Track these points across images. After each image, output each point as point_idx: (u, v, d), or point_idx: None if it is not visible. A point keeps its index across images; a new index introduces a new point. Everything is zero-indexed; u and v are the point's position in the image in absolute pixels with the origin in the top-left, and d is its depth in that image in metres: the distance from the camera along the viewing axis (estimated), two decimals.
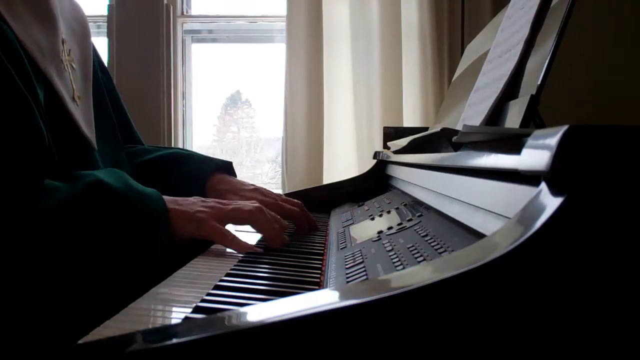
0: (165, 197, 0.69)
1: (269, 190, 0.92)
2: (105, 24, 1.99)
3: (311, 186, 1.52)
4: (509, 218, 0.36)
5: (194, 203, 0.71)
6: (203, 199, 0.74)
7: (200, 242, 0.72)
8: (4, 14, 0.65)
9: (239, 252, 0.68)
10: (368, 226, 0.75)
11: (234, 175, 0.97)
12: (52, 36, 0.74)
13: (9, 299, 0.56)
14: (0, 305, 0.56)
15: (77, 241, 0.59)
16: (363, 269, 0.52)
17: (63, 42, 0.77)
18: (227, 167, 0.96)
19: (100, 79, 0.91)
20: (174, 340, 0.27)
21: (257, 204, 0.75)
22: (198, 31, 2.15)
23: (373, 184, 1.20)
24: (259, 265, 0.61)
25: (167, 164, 0.93)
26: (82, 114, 0.77)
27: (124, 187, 0.65)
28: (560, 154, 0.28)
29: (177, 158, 0.96)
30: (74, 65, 0.79)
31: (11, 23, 0.66)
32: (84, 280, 0.59)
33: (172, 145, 2.01)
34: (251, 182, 0.94)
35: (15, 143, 0.59)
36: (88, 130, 0.77)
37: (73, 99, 0.76)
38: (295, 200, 0.91)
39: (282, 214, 0.83)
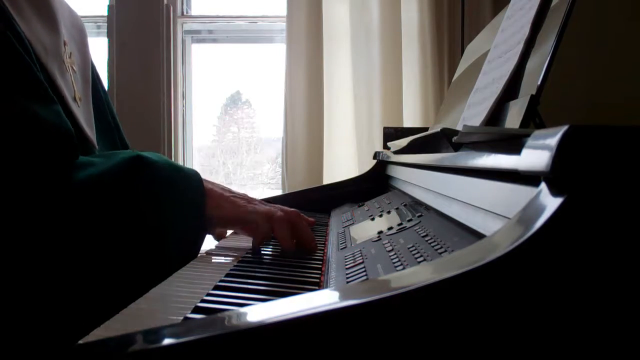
0: (204, 180, 0.71)
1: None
2: (105, 24, 1.99)
3: (311, 186, 1.52)
4: (509, 218, 0.36)
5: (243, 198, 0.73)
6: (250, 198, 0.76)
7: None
8: (11, 12, 0.65)
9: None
10: (368, 226, 0.75)
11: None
12: (55, 36, 0.74)
13: (17, 294, 0.56)
14: (3, 303, 0.56)
15: (109, 215, 0.60)
16: (363, 269, 0.52)
17: (65, 44, 0.77)
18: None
19: (97, 84, 0.91)
20: (174, 341, 0.27)
21: (293, 209, 0.75)
22: (198, 31, 2.14)
23: (373, 184, 1.20)
24: (258, 266, 0.61)
25: None
26: (82, 114, 0.77)
27: (165, 163, 0.67)
28: (560, 154, 0.28)
29: None
30: (74, 68, 0.79)
31: (17, 21, 0.66)
32: (110, 262, 0.59)
33: (172, 146, 2.01)
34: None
35: (44, 123, 0.59)
36: (89, 130, 0.78)
37: (74, 99, 0.76)
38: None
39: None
